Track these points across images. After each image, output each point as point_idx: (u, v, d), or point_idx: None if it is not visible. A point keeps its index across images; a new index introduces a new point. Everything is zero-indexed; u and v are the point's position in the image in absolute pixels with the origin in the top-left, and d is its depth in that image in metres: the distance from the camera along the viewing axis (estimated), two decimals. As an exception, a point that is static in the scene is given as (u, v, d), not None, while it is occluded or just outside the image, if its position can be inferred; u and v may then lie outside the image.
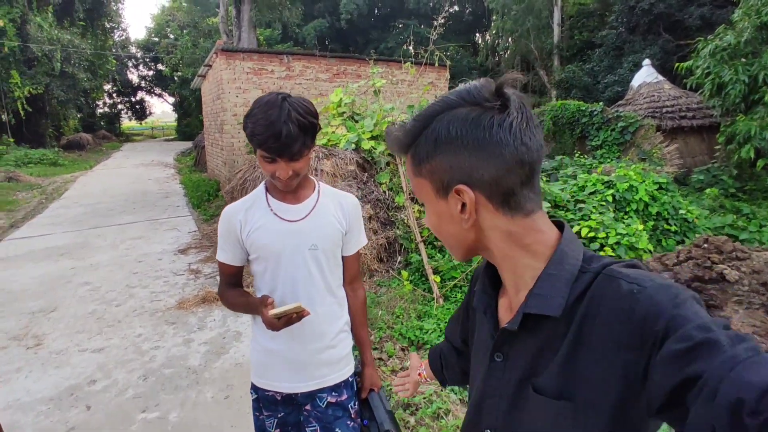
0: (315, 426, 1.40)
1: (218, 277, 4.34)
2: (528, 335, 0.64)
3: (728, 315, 2.72)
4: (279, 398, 1.41)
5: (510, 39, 23.47)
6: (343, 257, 1.47)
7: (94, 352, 3.34)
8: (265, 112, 1.18)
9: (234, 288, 1.44)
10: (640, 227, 4.87)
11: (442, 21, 27.72)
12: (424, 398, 2.62)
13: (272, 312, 1.17)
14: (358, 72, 9.50)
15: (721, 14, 12.71)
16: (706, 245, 3.06)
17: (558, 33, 20.30)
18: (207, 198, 9.61)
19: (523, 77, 0.61)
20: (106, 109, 38.13)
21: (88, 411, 2.64)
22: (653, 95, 10.64)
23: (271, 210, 1.35)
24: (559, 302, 0.60)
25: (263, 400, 1.43)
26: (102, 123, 34.92)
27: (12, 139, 19.36)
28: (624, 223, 5.06)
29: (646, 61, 11.69)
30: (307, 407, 1.43)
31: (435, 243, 4.99)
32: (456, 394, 2.68)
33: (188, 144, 25.01)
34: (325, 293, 1.40)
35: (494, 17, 24.08)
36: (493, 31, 25.61)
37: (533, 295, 0.62)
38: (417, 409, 2.54)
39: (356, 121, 6.19)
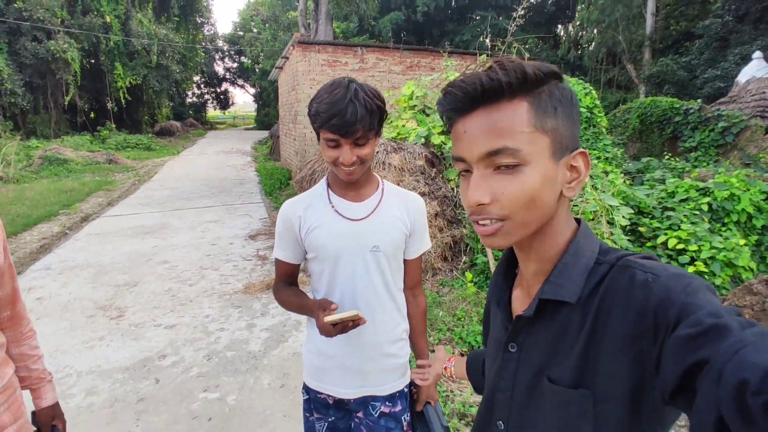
0: None
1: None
2: (543, 324, 0.65)
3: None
4: (331, 402, 1.36)
5: (596, 30, 21.95)
6: (405, 260, 1.38)
7: (167, 328, 3.54)
8: (330, 92, 1.13)
9: (289, 286, 1.39)
10: (741, 242, 4.32)
11: (522, 12, 26.58)
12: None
13: (327, 318, 1.10)
14: (431, 65, 9.33)
15: None
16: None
17: (651, 23, 18.64)
18: (279, 186, 9.97)
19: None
20: (194, 98, 40.99)
21: (156, 384, 2.80)
22: (764, 92, 9.41)
23: (332, 207, 1.28)
24: (574, 290, 0.61)
25: (314, 402, 1.39)
26: (190, 112, 37.57)
27: (114, 125, 21.38)
28: (721, 235, 4.52)
29: (757, 54, 10.38)
30: (359, 414, 1.36)
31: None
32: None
33: (266, 133, 26.18)
34: (385, 298, 1.32)
35: (579, 7, 22.62)
36: (578, 22, 24.10)
37: (549, 282, 0.63)
38: (473, 420, 2.41)
39: (427, 115, 6.06)
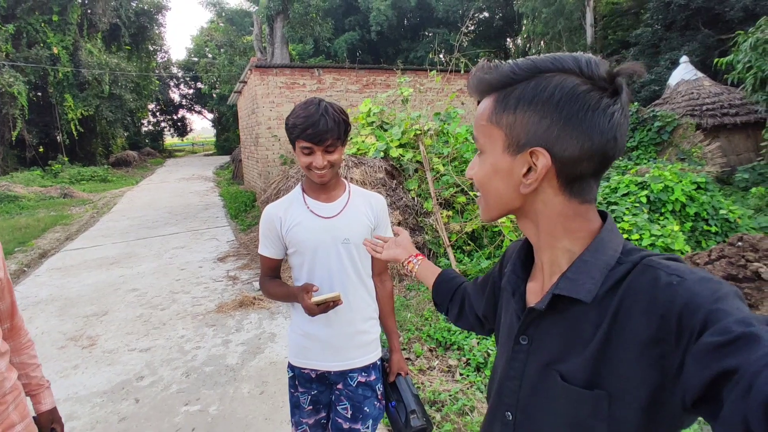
0: (345, 404, 1.52)
1: (255, 283, 4.54)
2: (555, 319, 0.64)
3: (765, 314, 2.65)
4: (314, 376, 1.55)
5: (542, 42, 23.17)
6: None
7: (142, 351, 3.58)
8: (305, 108, 1.37)
9: (273, 279, 1.59)
10: (676, 228, 4.75)
11: (472, 27, 27.71)
12: (450, 395, 2.68)
13: (314, 299, 1.33)
14: (387, 82, 9.68)
15: (766, 4, 12.15)
16: (740, 243, 2.98)
17: (591, 34, 19.89)
18: (244, 209, 9.99)
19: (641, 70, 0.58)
20: (150, 127, 40.12)
21: (137, 404, 2.85)
22: (692, 93, 10.28)
23: (308, 208, 1.50)
24: (590, 288, 0.60)
25: (299, 378, 1.57)
26: (146, 140, 36.71)
27: (66, 158, 20.70)
28: (659, 224, 4.95)
29: (684, 58, 11.32)
30: (339, 386, 1.55)
31: (463, 248, 5.04)
32: (482, 392, 2.72)
33: (226, 158, 25.97)
34: (357, 283, 1.53)
35: (525, 21, 23.86)
36: (524, 35, 25.34)
37: (565, 278, 0.62)
38: (443, 406, 2.60)
39: (385, 130, 6.33)
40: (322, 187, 1.50)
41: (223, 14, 33.02)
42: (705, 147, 8.66)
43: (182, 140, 49.41)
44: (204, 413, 2.71)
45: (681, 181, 5.53)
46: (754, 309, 2.71)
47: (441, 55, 23.93)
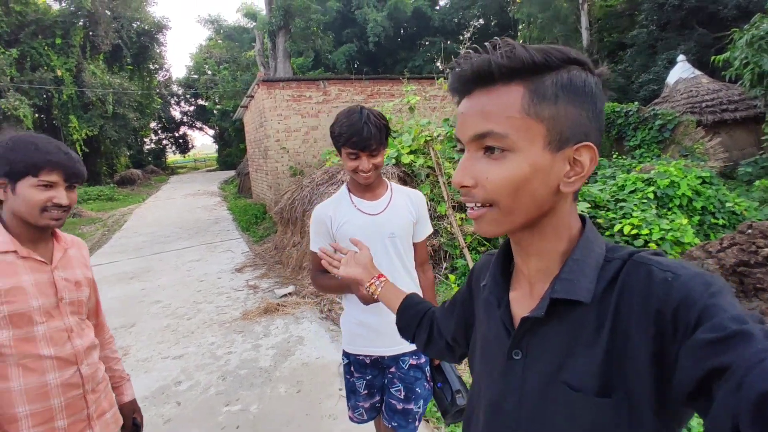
0: (399, 386, 1.64)
1: (276, 291, 4.66)
2: (552, 326, 0.61)
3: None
4: (368, 362, 1.68)
5: (538, 47, 23.43)
6: (415, 244, 1.73)
7: (175, 359, 3.70)
8: (349, 117, 1.50)
9: (324, 274, 1.70)
10: (685, 221, 4.87)
11: (468, 35, 28.05)
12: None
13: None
14: (391, 91, 9.87)
15: (759, 1, 12.37)
16: (750, 231, 3.11)
17: (587, 37, 20.16)
18: (255, 221, 10.14)
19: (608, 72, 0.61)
20: (153, 145, 40.48)
21: (179, 406, 2.97)
22: (691, 90, 10.46)
23: (355, 206, 1.63)
24: (588, 287, 0.58)
25: (354, 364, 1.70)
26: (149, 158, 37.02)
27: (73, 179, 20.88)
28: (667, 218, 5.07)
29: (681, 57, 11.52)
30: (392, 369, 1.67)
31: (478, 249, 5.16)
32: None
33: (230, 173, 26.18)
34: (404, 273, 1.66)
35: (521, 27, 24.19)
36: (520, 41, 25.58)
37: (560, 279, 0.59)
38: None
39: (394, 138, 6.49)
40: (367, 186, 1.63)
41: (222, 31, 33.53)
42: (707, 143, 8.80)
43: (184, 157, 49.79)
44: (245, 412, 2.83)
45: (686, 177, 5.66)
46: (767, 293, 2.83)
47: (439, 63, 24.23)
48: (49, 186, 1.20)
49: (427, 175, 5.69)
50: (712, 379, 0.44)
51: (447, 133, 5.97)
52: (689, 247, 4.71)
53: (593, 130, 0.58)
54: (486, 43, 0.58)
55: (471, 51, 0.60)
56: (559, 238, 0.63)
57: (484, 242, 5.17)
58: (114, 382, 1.51)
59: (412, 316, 1.02)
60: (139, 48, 26.82)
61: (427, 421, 2.56)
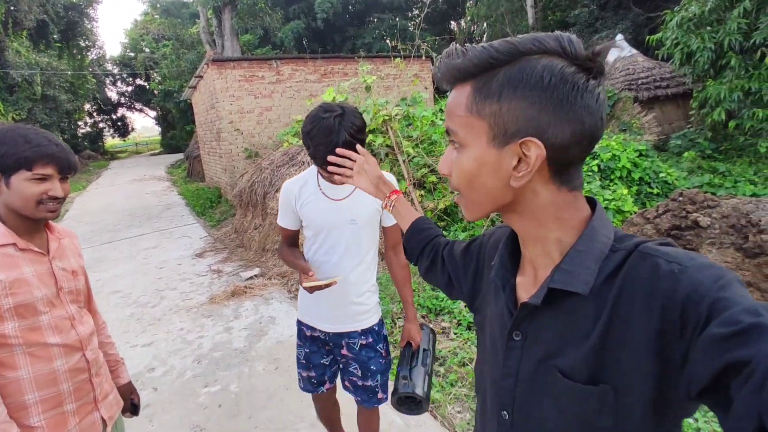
0: (355, 365, 1.77)
1: (241, 274, 4.71)
2: (550, 313, 0.62)
3: (703, 255, 3.13)
4: (308, 334, 1.80)
5: (485, 24, 23.82)
6: (385, 228, 1.78)
7: (145, 346, 3.67)
8: (327, 136, 1.42)
9: (289, 247, 1.79)
10: (625, 192, 5.30)
11: (417, 12, 27.99)
12: (450, 351, 3.00)
13: (306, 284, 1.51)
14: (345, 70, 9.81)
15: (687, -16, 13.15)
16: (681, 198, 3.47)
17: (532, 14, 20.69)
18: (210, 206, 9.89)
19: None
20: (88, 128, 37.87)
21: (156, 392, 2.99)
22: (628, 68, 11.08)
23: (320, 189, 1.66)
24: (587, 279, 0.58)
25: (299, 332, 1.84)
26: (85, 143, 34.68)
27: None
28: (610, 189, 5.49)
29: (619, 36, 12.14)
30: (344, 351, 1.77)
31: (438, 224, 5.37)
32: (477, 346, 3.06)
33: (176, 156, 25.11)
34: (358, 261, 1.69)
35: (468, 4, 24.43)
36: (468, 18, 25.94)
37: (560, 269, 0.60)
38: (445, 360, 2.92)
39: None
40: None
41: (158, 5, 31.54)
42: (642, 118, 9.44)
43: (124, 140, 46.99)
44: (226, 391, 2.90)
45: (626, 150, 6.11)
46: (695, 252, 3.20)
47: (389, 41, 24.09)
48: (44, 179, 1.21)
49: (387, 154, 5.81)
50: (729, 374, 0.43)
51: (404, 112, 6.09)
52: (629, 215, 5.15)
53: (553, 122, 0.55)
54: (457, 47, 0.61)
55: (456, 47, 0.61)
56: (561, 228, 0.62)
57: (444, 217, 5.39)
58: (110, 365, 1.55)
59: (418, 242, 1.04)
60: (67, 24, 24.83)
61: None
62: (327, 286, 1.52)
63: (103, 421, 1.37)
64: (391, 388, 1.74)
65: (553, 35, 0.57)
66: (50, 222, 1.36)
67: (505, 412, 0.69)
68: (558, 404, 0.61)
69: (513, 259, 0.73)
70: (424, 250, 1.03)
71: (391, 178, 1.70)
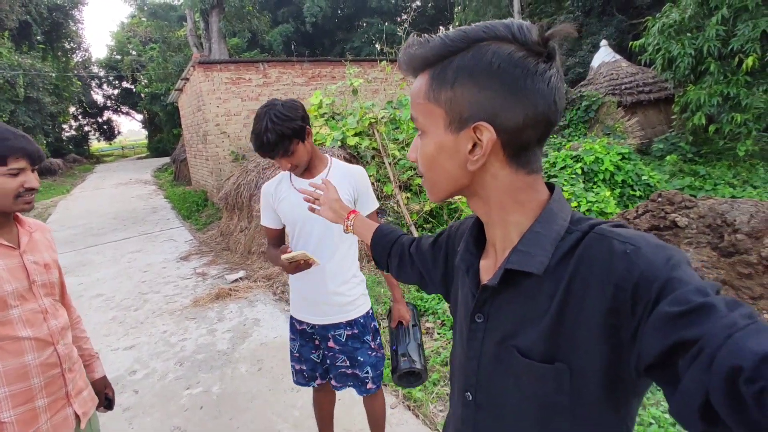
0: (342, 357, 1.79)
1: (226, 277, 4.67)
2: (510, 294, 0.64)
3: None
4: (298, 327, 1.85)
5: (473, 30, 24.01)
6: None
7: (126, 349, 3.63)
8: (255, 125, 1.55)
9: (275, 247, 1.82)
10: (608, 194, 5.38)
11: (406, 17, 28.15)
12: (433, 351, 3.02)
13: (284, 256, 1.53)
14: (332, 74, 9.83)
15: (669, -9, 13.43)
16: (660, 199, 3.53)
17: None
18: (196, 209, 9.81)
19: (573, 31, 0.58)
20: (73, 132, 37.33)
21: (137, 394, 2.95)
22: (612, 73, 11.27)
23: (292, 184, 1.72)
24: (542, 260, 0.59)
25: (291, 327, 1.89)
26: (70, 146, 34.16)
27: (-18, 170, 18.94)
28: (593, 191, 5.57)
29: (603, 42, 12.34)
30: (331, 344, 1.79)
31: (424, 226, 5.40)
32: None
33: (163, 160, 24.87)
34: (332, 250, 1.72)
35: (456, 9, 24.65)
36: (456, 23, 26.17)
37: (516, 251, 0.61)
38: (428, 360, 2.93)
39: (337, 121, 6.54)
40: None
41: (146, 8, 31.29)
42: (626, 122, 9.60)
43: (110, 144, 46.35)
44: (208, 393, 2.87)
45: (609, 153, 6.22)
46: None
47: (378, 45, 24.21)
48: (18, 172, 1.21)
49: (373, 157, 5.82)
50: (677, 352, 0.44)
51: (391, 115, 6.12)
52: (611, 217, 5.23)
53: (505, 106, 0.57)
54: (416, 37, 0.63)
55: (414, 38, 0.63)
56: (520, 211, 0.63)
57: (430, 219, 5.41)
58: (85, 360, 1.54)
59: (383, 246, 1.07)
60: (51, 25, 24.53)
61: (386, 385, 2.75)
62: (306, 262, 1.56)
63: (77, 417, 1.36)
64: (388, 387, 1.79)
65: (504, 22, 0.57)
66: (20, 216, 1.35)
67: (468, 393, 0.71)
68: (518, 384, 0.63)
69: (478, 244, 0.75)
70: (390, 252, 1.05)
71: (358, 172, 1.74)
